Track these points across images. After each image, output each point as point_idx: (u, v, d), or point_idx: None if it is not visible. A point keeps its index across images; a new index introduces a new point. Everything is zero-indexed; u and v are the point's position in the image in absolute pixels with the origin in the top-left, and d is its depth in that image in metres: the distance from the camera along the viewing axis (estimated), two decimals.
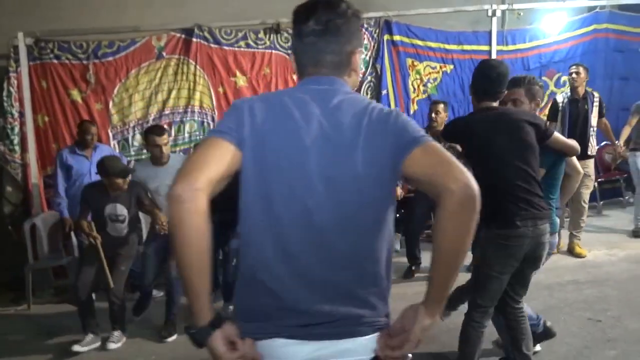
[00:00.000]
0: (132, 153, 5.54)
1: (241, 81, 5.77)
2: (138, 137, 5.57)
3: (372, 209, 1.35)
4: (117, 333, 3.83)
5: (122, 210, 3.89)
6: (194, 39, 5.58)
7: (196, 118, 5.71)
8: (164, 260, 4.03)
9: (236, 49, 5.74)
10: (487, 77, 2.73)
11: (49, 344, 3.99)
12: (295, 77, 5.34)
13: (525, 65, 6.41)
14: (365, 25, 5.93)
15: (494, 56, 6.18)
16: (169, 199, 1.18)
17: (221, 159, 1.25)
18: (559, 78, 6.50)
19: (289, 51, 5.70)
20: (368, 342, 1.32)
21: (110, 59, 5.46)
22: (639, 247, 5.24)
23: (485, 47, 6.26)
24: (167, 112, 5.64)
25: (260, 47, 5.78)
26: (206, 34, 5.63)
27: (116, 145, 5.49)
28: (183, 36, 5.61)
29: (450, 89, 6.24)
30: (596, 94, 5.32)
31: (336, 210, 1.31)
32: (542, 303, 3.92)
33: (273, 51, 5.80)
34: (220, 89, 5.72)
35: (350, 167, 1.30)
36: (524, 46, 6.39)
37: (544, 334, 3.18)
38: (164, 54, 5.59)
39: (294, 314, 1.32)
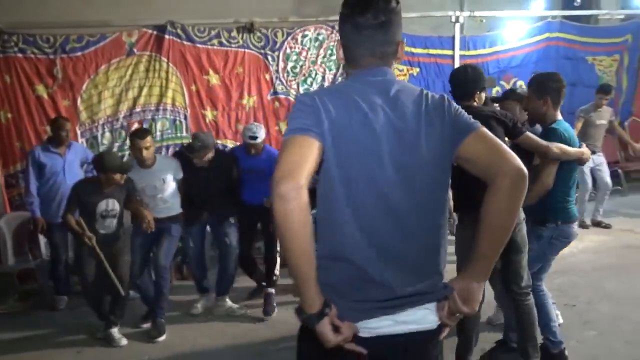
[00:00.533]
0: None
1: (214, 79, 5.72)
2: (108, 135, 5.42)
3: (437, 190, 1.47)
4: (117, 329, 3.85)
5: (114, 205, 3.79)
6: (167, 36, 5.49)
7: (168, 116, 5.60)
8: (148, 252, 4.08)
9: (209, 47, 5.69)
10: (460, 81, 2.99)
11: None
12: (267, 76, 5.30)
13: (485, 70, 6.72)
14: (337, 27, 6.01)
15: (457, 60, 6.48)
16: (275, 197, 1.25)
17: (312, 154, 1.33)
18: (515, 82, 6.86)
19: (262, 50, 5.72)
20: (431, 311, 1.45)
21: (79, 54, 5.27)
22: (595, 239, 5.64)
23: (449, 52, 6.53)
24: (138, 109, 5.51)
25: (233, 45, 5.75)
26: (179, 31, 5.54)
27: (84, 144, 5.29)
28: (155, 33, 5.50)
29: None
30: None
31: (407, 193, 1.42)
32: None
33: (246, 50, 5.79)
34: (193, 87, 5.65)
35: (416, 152, 1.42)
36: (484, 52, 6.72)
37: None
38: (135, 50, 5.46)
39: (380, 288, 1.41)
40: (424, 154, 1.42)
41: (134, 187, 3.87)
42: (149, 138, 3.96)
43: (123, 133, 5.40)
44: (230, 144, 5.68)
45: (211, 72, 5.70)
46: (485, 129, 1.46)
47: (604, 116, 6.06)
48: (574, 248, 5.30)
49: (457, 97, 2.92)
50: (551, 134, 2.95)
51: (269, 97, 5.93)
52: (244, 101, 5.83)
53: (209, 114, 5.72)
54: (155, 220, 3.83)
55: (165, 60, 5.51)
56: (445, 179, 1.49)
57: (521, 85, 6.63)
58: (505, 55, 6.82)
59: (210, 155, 4.10)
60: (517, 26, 6.92)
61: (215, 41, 5.71)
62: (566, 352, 3.08)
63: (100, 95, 5.38)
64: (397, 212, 1.42)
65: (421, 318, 1.44)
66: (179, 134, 5.64)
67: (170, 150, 5.46)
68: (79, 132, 5.30)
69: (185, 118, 5.64)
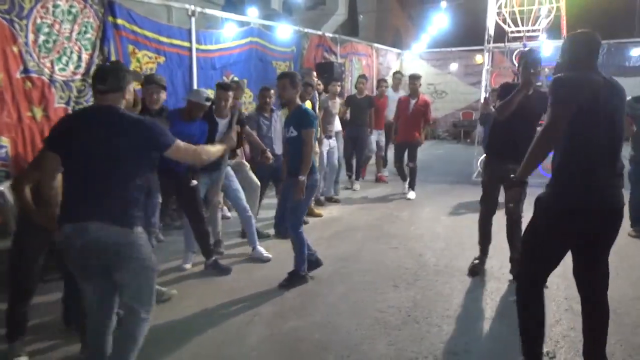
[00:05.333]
0: None
1: None
2: None
3: None
4: None
5: None
6: None
7: None
8: None
9: None
10: None
11: None
12: (15, 49, 4.80)
13: (212, 65, 7.17)
14: (90, 2, 5.35)
15: (194, 53, 6.70)
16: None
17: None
18: (232, 79, 7.55)
19: (7, 16, 4.81)
20: None
21: None
22: None
23: (186, 44, 6.65)
24: None
25: None
26: None
27: None
28: None
29: None
30: None
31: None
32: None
33: None
34: None
35: None
36: (212, 47, 7.12)
37: (315, 263, 4.47)
38: None
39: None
40: None
41: None
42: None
43: None
44: None
45: None
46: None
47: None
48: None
49: None
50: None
51: (18, 75, 4.75)
52: None
53: None
54: None
55: None
56: None
57: (237, 80, 7.38)
58: (225, 52, 7.41)
59: None
60: (230, 28, 7.60)
61: None
62: None
63: None
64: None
65: None
66: None
67: None
68: None
69: None
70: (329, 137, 7.12)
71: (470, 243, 5.10)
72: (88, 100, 5.32)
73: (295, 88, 4.32)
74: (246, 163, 5.65)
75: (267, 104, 5.81)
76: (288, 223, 4.32)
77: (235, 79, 7.46)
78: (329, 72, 8.59)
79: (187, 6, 6.55)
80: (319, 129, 6.41)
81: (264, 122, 5.73)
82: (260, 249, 5.06)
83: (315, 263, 4.50)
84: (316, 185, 4.46)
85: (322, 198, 7.29)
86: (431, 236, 5.77)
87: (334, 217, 6.70)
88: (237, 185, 5.02)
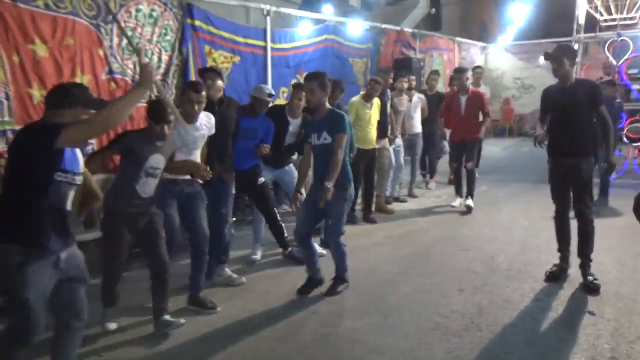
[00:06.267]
0: None
1: (42, 51, 4.59)
2: None
3: None
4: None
5: (162, 163, 3.39)
6: None
7: None
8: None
9: (34, 8, 4.52)
10: None
11: None
12: (101, 52, 5.02)
13: (286, 63, 7.28)
14: (170, 5, 5.61)
15: (269, 51, 6.83)
16: None
17: None
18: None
19: (94, 21, 5.05)
20: None
21: None
22: None
23: (261, 43, 6.80)
24: None
25: (61, 11, 4.71)
26: None
27: None
28: None
29: (237, 80, 6.50)
30: None
31: None
32: None
33: (76, 18, 4.82)
34: (16, 58, 4.42)
35: None
36: (287, 46, 7.23)
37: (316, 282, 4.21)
38: None
39: None
40: None
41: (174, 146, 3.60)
42: (203, 93, 3.77)
43: None
44: None
45: (37, 41, 4.55)
46: None
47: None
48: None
49: None
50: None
51: (104, 77, 5.09)
52: (77, 79, 4.83)
53: (36, 93, 4.55)
54: (183, 181, 3.79)
55: None
56: None
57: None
58: (300, 50, 7.49)
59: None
60: (305, 26, 7.67)
61: (39, 2, 4.57)
62: None
63: None
64: None
65: None
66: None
67: None
68: None
69: (7, 98, 4.36)
70: (396, 136, 6.98)
71: (548, 247, 4.80)
72: None
73: (324, 90, 3.97)
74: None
75: (335, 99, 5.78)
76: (329, 238, 4.22)
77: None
78: (407, 68, 8.45)
79: (262, 6, 6.69)
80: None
81: None
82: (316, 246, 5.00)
83: (316, 282, 4.18)
84: (351, 199, 4.25)
85: (390, 197, 7.20)
86: (506, 239, 5.51)
87: (405, 215, 6.58)
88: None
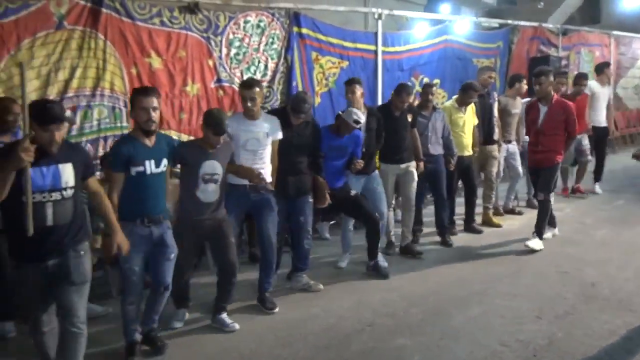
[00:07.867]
0: None
1: (156, 63, 5.15)
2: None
3: None
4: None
5: (218, 168, 3.56)
6: (103, 9, 4.77)
7: (106, 103, 4.88)
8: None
9: (150, 26, 5.09)
10: None
11: None
12: (210, 62, 5.23)
13: (399, 67, 7.20)
14: (277, 15, 5.89)
15: (379, 55, 6.81)
16: None
17: None
18: (422, 79, 7.45)
19: (205, 34, 5.39)
20: None
21: None
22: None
23: (372, 47, 6.81)
24: (70, 94, 4.68)
25: (175, 26, 5.23)
26: (117, 5, 4.85)
27: None
28: (89, 4, 4.73)
29: None
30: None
31: None
32: None
33: (188, 32, 5.31)
34: (134, 70, 5.01)
35: None
36: (400, 49, 7.14)
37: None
38: (66, 23, 4.62)
39: None
40: None
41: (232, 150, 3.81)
42: (256, 89, 3.95)
43: None
44: (174, 135, 5.18)
45: (153, 54, 5.11)
46: None
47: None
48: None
49: None
50: None
51: (212, 85, 5.54)
52: (188, 88, 5.36)
53: None
54: (250, 187, 3.88)
55: (102, 37, 4.79)
56: None
57: (426, 81, 7.23)
58: (415, 53, 7.35)
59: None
60: (422, 27, 7.50)
61: (156, 20, 5.12)
62: None
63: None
64: None
65: None
66: (118, 124, 4.97)
67: (110, 142, 4.81)
68: None
69: (125, 105, 4.97)
70: (508, 142, 6.48)
71: None
72: (273, 104, 5.91)
73: None
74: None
75: (429, 101, 5.60)
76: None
77: (426, 79, 7.35)
78: None
79: (373, 10, 6.69)
80: None
81: (421, 120, 5.53)
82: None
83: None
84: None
85: (501, 209, 6.73)
86: (620, 263, 4.87)
87: (512, 230, 6.11)
88: (381, 189, 5.03)
